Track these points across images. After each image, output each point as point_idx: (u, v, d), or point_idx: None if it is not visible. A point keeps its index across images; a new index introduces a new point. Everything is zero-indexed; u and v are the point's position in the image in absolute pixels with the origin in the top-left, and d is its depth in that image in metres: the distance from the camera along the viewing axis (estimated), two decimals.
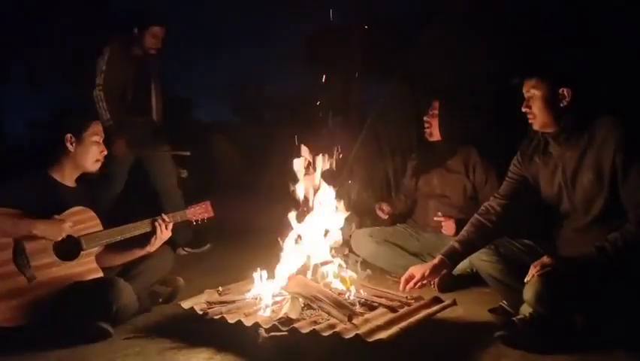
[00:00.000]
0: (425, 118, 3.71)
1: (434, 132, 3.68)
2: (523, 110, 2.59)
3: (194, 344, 2.44)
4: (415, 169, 3.82)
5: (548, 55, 3.02)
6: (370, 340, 2.25)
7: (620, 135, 2.42)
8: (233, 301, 2.64)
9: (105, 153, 2.87)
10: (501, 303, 2.82)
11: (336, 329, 2.31)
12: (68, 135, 2.76)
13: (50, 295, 2.58)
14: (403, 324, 2.38)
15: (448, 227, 3.48)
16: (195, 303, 2.64)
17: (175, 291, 3.02)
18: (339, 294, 2.63)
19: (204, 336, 2.48)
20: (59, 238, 2.62)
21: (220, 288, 2.79)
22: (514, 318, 2.50)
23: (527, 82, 2.58)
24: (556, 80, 2.52)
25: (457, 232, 3.42)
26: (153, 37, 4.17)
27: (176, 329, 2.62)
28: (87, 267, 2.72)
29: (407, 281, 2.72)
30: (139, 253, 2.91)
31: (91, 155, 2.82)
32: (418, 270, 2.72)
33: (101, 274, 2.74)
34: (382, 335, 2.29)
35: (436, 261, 2.74)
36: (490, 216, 2.78)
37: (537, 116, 2.56)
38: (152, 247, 2.91)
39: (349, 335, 2.27)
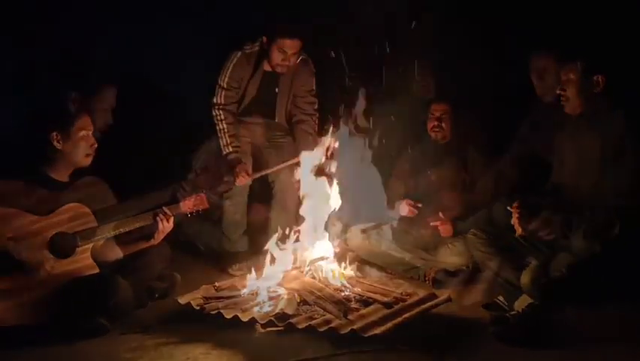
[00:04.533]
0: (435, 122, 3.65)
1: (447, 135, 3.67)
2: (558, 92, 2.71)
3: (190, 340, 2.44)
4: (411, 169, 3.81)
5: (587, 42, 3.09)
6: (366, 335, 2.28)
7: (624, 129, 2.52)
8: (230, 297, 2.66)
9: (95, 146, 2.82)
10: (495, 299, 2.84)
11: (332, 325, 2.33)
12: (54, 134, 2.72)
13: (47, 293, 2.56)
14: (398, 320, 2.41)
15: (445, 230, 3.48)
16: (192, 298, 2.66)
17: (172, 286, 3.03)
18: (335, 290, 2.65)
19: (201, 331, 2.49)
20: (39, 265, 2.57)
21: (217, 283, 2.80)
22: (507, 314, 2.53)
23: (566, 67, 2.69)
24: (593, 67, 2.62)
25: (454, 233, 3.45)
26: (281, 53, 3.51)
27: (172, 324, 2.63)
28: (83, 263, 2.71)
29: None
30: (142, 245, 2.91)
31: (80, 150, 2.77)
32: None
33: (96, 270, 2.74)
34: (377, 330, 2.31)
35: None
36: None
37: (570, 99, 2.67)
38: (155, 241, 2.92)
39: (345, 331, 2.30)
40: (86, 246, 2.73)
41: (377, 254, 3.62)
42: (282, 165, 3.57)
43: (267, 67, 3.61)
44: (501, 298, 2.81)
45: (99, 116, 3.30)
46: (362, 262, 2.96)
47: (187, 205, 3.06)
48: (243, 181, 3.52)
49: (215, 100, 3.64)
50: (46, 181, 2.76)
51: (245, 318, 2.46)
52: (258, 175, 3.64)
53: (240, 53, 3.61)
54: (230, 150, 3.56)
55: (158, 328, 2.59)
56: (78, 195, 2.78)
